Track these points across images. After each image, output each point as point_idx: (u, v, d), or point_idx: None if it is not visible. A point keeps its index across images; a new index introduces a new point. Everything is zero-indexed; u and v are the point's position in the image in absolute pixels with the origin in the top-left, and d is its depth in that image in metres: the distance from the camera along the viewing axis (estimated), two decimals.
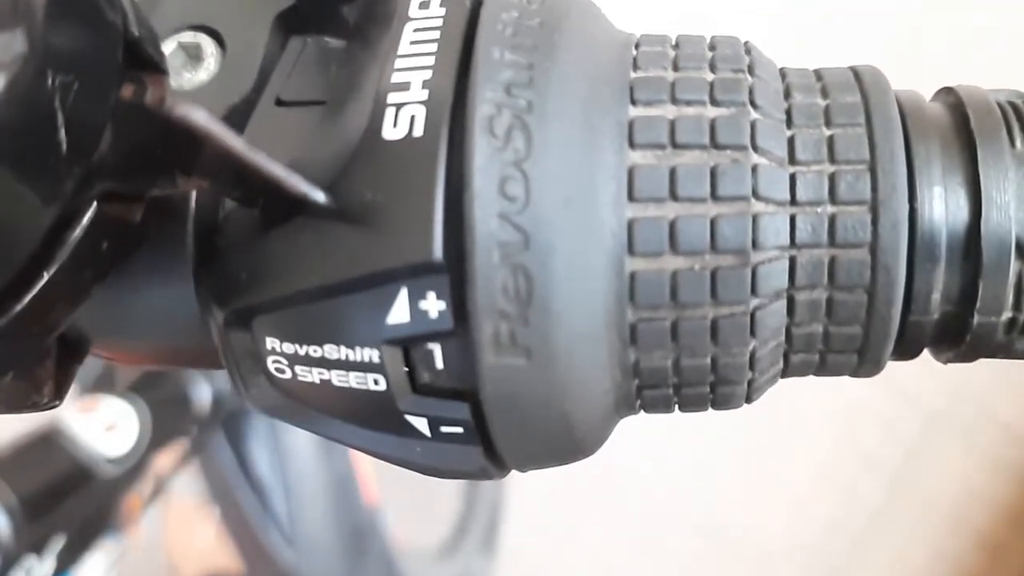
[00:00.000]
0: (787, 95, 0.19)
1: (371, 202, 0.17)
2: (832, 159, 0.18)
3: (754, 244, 0.18)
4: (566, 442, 0.19)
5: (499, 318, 0.17)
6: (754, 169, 0.18)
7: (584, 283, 0.17)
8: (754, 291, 0.18)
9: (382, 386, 0.18)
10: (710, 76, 0.18)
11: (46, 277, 0.17)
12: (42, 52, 0.15)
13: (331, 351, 0.18)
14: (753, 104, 0.18)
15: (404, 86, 0.18)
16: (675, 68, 0.19)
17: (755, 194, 0.18)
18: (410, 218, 0.17)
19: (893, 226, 0.18)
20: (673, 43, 0.19)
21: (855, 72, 0.19)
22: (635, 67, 0.19)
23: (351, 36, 0.20)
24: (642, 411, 0.20)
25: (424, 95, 0.18)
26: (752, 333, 0.18)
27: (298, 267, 0.18)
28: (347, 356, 0.18)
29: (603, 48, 0.19)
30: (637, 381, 0.19)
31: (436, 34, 0.18)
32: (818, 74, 0.19)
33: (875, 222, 0.18)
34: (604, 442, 0.21)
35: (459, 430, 0.18)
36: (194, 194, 0.20)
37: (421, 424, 0.18)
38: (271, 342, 0.18)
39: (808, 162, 0.18)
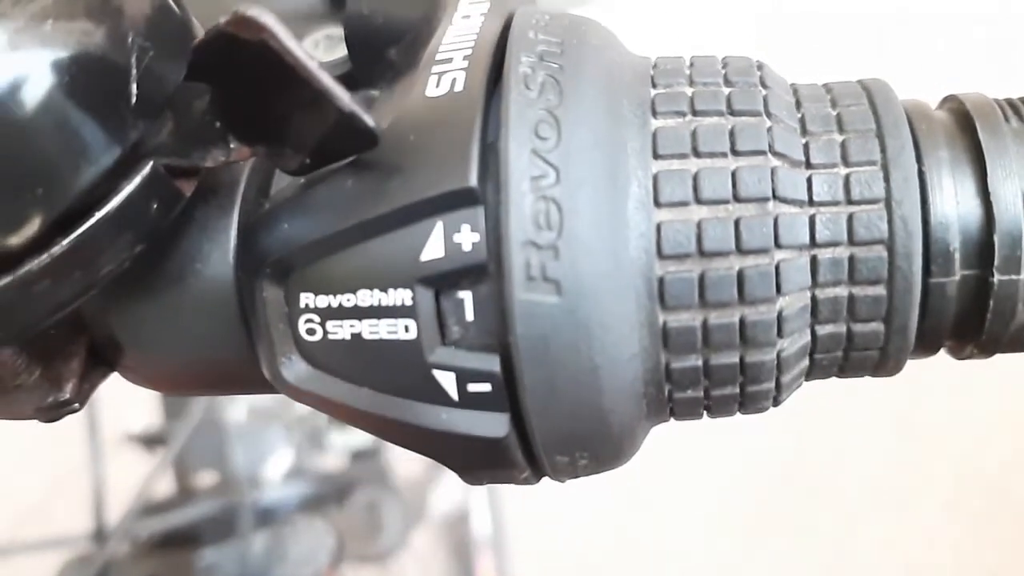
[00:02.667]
0: (799, 106, 0.20)
1: (412, 144, 0.18)
2: (846, 162, 0.19)
3: (774, 194, 0.19)
4: (595, 414, 0.19)
5: (531, 248, 0.17)
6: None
7: (613, 220, 0.18)
8: (777, 242, 0.18)
9: (412, 333, 0.18)
10: (727, 90, 0.19)
11: (95, 218, 0.18)
12: (127, 17, 0.17)
13: (364, 297, 0.18)
14: (768, 113, 0.19)
15: (446, 60, 0.20)
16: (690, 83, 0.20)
17: (771, 149, 0.19)
18: (448, 153, 0.18)
19: (905, 180, 0.19)
20: (688, 62, 0.21)
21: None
22: (654, 69, 0.20)
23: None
24: (671, 408, 0.20)
25: (464, 64, 0.19)
26: (778, 287, 0.18)
27: (338, 210, 0.19)
28: (380, 301, 0.18)
29: (623, 57, 0.20)
30: (666, 352, 0.19)
31: (473, 38, 0.20)
32: (827, 87, 0.21)
33: (887, 179, 0.19)
34: (634, 440, 0.20)
35: (487, 388, 0.18)
36: (244, 177, 0.21)
37: (448, 381, 0.18)
38: (305, 298, 0.19)
39: (824, 165, 0.19)
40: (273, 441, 0.69)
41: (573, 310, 0.18)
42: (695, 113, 0.19)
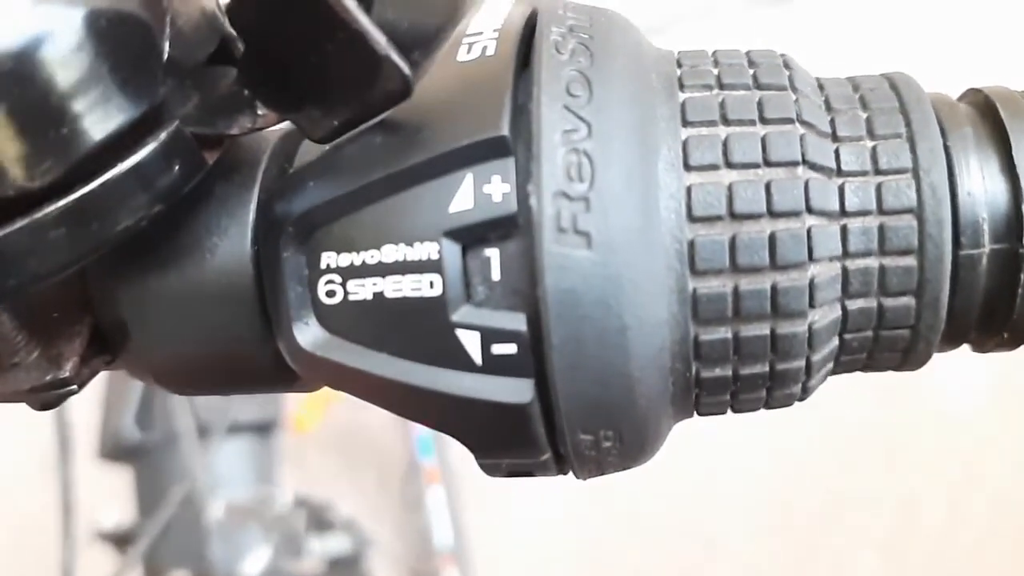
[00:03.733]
0: (822, 89, 0.20)
1: (443, 102, 0.18)
2: (872, 136, 0.19)
3: (803, 158, 0.19)
4: (622, 381, 0.18)
5: (562, 199, 0.17)
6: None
7: (644, 179, 0.18)
8: (808, 206, 0.18)
9: (437, 289, 0.18)
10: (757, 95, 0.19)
11: (117, 169, 0.18)
12: None
13: (389, 252, 0.18)
14: (793, 88, 0.19)
15: (476, 34, 0.20)
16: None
17: (799, 118, 0.19)
18: (479, 106, 0.18)
19: (931, 151, 0.19)
20: (711, 50, 0.21)
21: (899, 100, 0.20)
22: (678, 53, 0.20)
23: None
24: (697, 395, 0.20)
25: (495, 35, 0.20)
26: (809, 253, 0.18)
27: (366, 165, 0.18)
28: (405, 256, 0.18)
29: (647, 41, 0.21)
30: (695, 323, 0.18)
31: (503, 16, 0.20)
32: (863, 101, 0.20)
33: (913, 150, 0.19)
34: (659, 428, 0.19)
35: (512, 349, 0.18)
36: (266, 157, 0.21)
37: (472, 342, 0.18)
38: (327, 258, 0.18)
39: (850, 138, 0.19)
40: (250, 540, 0.67)
41: (604, 263, 0.17)
42: (722, 87, 0.19)
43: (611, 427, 0.19)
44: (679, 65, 0.20)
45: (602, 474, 0.21)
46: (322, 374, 0.19)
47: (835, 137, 0.19)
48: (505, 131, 0.18)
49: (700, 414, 0.21)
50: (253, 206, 0.20)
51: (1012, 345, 0.21)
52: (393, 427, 1.16)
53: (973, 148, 0.19)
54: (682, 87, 0.19)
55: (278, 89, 0.19)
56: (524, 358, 0.18)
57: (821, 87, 0.20)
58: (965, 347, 0.21)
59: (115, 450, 0.70)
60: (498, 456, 0.19)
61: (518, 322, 0.18)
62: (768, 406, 0.21)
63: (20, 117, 0.16)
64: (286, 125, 0.21)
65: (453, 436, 0.19)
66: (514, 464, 0.19)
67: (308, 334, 0.19)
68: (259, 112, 0.20)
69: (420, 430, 1.14)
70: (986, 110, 0.20)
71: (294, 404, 0.87)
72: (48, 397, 0.20)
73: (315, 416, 0.96)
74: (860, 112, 0.19)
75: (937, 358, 0.21)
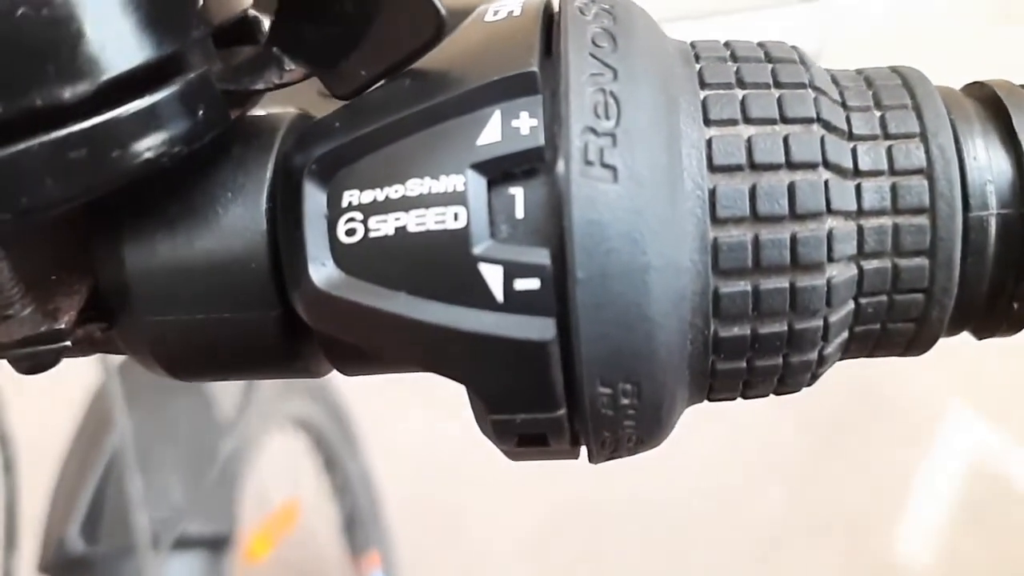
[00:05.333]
0: (836, 82, 0.21)
1: (472, 48, 0.19)
2: (879, 106, 0.20)
3: (818, 116, 0.19)
4: (643, 324, 0.18)
5: (589, 134, 0.17)
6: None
7: (668, 125, 0.18)
8: (824, 160, 0.19)
9: (461, 221, 0.17)
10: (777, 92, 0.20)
11: (144, 99, 0.18)
12: None
13: (414, 186, 0.18)
14: (803, 63, 0.20)
15: (501, 6, 0.21)
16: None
17: (811, 84, 0.20)
18: (508, 47, 0.19)
19: (937, 116, 0.20)
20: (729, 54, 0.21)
21: (900, 76, 0.21)
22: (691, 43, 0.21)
23: None
24: (713, 363, 0.19)
25: (519, 3, 0.20)
26: (827, 203, 0.18)
27: (393, 104, 0.19)
28: (430, 189, 0.18)
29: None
30: (715, 275, 0.18)
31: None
32: (867, 80, 0.21)
33: (920, 117, 0.20)
34: (674, 401, 0.19)
35: (535, 285, 0.17)
36: (285, 125, 0.21)
37: (495, 277, 0.17)
38: (349, 196, 0.18)
39: (859, 108, 0.20)
40: None
41: (630, 197, 0.17)
42: (735, 59, 0.20)
43: (631, 379, 0.18)
44: (693, 46, 0.21)
45: (616, 453, 0.20)
46: (336, 318, 0.19)
47: (845, 105, 0.20)
48: (535, 67, 0.18)
49: (712, 393, 0.21)
50: (271, 166, 0.20)
51: (1016, 326, 0.21)
52: (347, 563, 1.13)
53: (976, 121, 0.20)
54: (697, 59, 0.20)
55: (308, 43, 0.19)
56: (547, 295, 0.17)
57: (826, 71, 0.21)
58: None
59: (57, 562, 0.66)
60: (513, 409, 0.19)
61: (542, 257, 0.17)
62: (782, 382, 0.20)
63: (63, 26, 0.16)
64: (299, 107, 0.21)
65: (469, 385, 0.19)
66: (528, 422, 0.19)
67: (324, 274, 0.18)
68: (286, 68, 0.20)
69: (372, 567, 1.10)
70: (985, 95, 0.21)
71: (247, 528, 0.84)
72: (38, 353, 0.20)
73: (267, 543, 0.93)
74: (866, 88, 0.20)
75: None
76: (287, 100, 0.21)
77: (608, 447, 0.20)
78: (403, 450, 1.34)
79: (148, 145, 0.18)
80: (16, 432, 0.59)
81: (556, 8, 0.20)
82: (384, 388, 1.38)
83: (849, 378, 1.34)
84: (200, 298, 0.20)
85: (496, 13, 0.20)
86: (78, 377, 0.76)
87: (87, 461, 0.68)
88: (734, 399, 0.21)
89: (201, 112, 0.19)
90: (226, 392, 0.77)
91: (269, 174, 0.20)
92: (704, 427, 1.34)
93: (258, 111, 0.22)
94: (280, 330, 0.20)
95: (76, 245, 0.20)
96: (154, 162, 0.18)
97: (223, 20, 0.19)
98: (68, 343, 0.20)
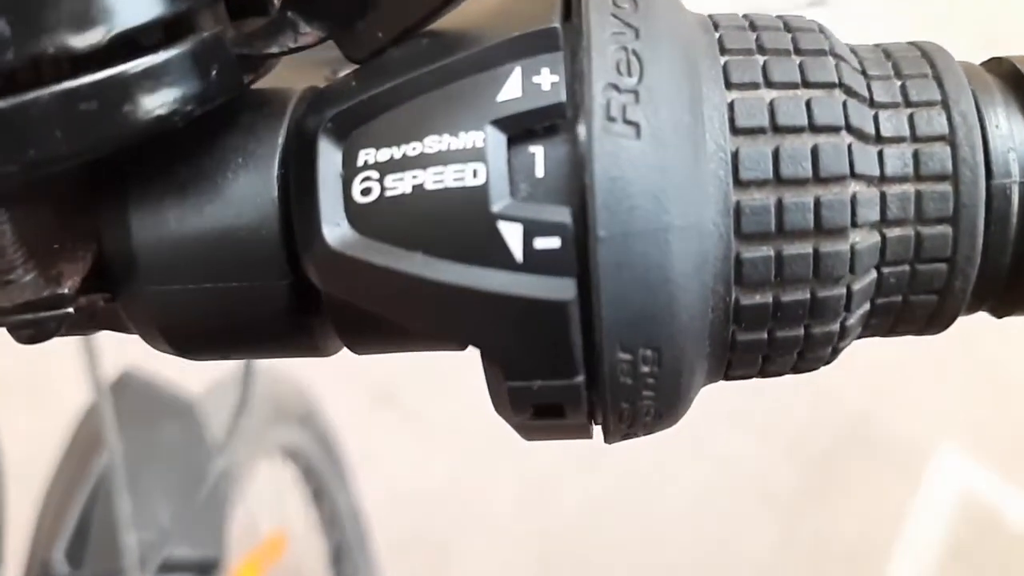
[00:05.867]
0: (855, 53, 0.21)
1: (492, 9, 0.19)
2: (899, 75, 0.20)
3: (840, 81, 0.19)
4: (664, 287, 0.17)
5: (612, 91, 0.17)
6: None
7: (690, 86, 0.18)
8: (847, 124, 0.18)
9: (480, 178, 0.17)
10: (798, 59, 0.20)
11: (156, 55, 0.18)
12: None
13: (432, 143, 0.17)
14: (823, 32, 0.20)
15: None
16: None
17: (832, 52, 0.20)
18: (530, 7, 0.19)
19: (958, 85, 0.20)
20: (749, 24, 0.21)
21: (919, 48, 0.21)
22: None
23: None
24: (734, 334, 0.19)
25: None
26: (851, 167, 0.18)
27: (412, 61, 0.18)
28: (449, 145, 0.17)
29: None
30: (738, 240, 0.18)
31: None
32: (886, 52, 0.21)
33: (941, 85, 0.20)
34: (693, 374, 0.19)
35: (555, 243, 0.17)
36: (297, 95, 0.20)
37: (514, 236, 0.17)
38: (365, 155, 0.18)
39: (880, 77, 0.20)
40: None
41: (653, 154, 0.17)
42: (755, 28, 0.20)
43: (651, 344, 0.18)
44: (710, 17, 0.20)
45: (632, 428, 0.20)
46: (349, 281, 0.18)
47: (865, 73, 0.20)
48: (556, 23, 0.18)
49: (731, 369, 0.20)
50: (283, 131, 0.20)
51: None
52: None
53: (997, 92, 0.20)
54: (716, 28, 0.20)
55: (324, 5, 0.19)
56: (567, 254, 0.17)
57: (854, 51, 0.21)
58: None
59: None
60: (530, 375, 0.18)
61: (563, 215, 0.17)
62: (802, 356, 0.20)
63: None
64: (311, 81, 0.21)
65: (485, 350, 0.18)
66: (545, 389, 0.18)
67: (338, 234, 0.18)
68: (301, 31, 0.20)
69: None
70: (1005, 69, 0.21)
71: (234, 558, 0.82)
72: (39, 320, 0.19)
73: (254, 575, 0.91)
74: (886, 60, 0.20)
75: None
76: (299, 80, 0.21)
77: (625, 420, 0.19)
78: (392, 483, 1.32)
79: (159, 102, 0.18)
80: (3, 450, 0.58)
81: None
82: (374, 420, 1.37)
83: (840, 414, 1.35)
84: (208, 266, 0.19)
85: None
86: (67, 397, 0.75)
87: (74, 482, 0.67)
88: (752, 376, 0.21)
89: (214, 73, 0.18)
90: (216, 415, 0.77)
91: (281, 139, 0.20)
92: (695, 461, 1.34)
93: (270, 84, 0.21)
94: (290, 301, 0.20)
95: (81, 210, 0.20)
96: (165, 120, 0.18)
97: None
98: (70, 310, 0.19)
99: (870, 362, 1.42)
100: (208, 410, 0.77)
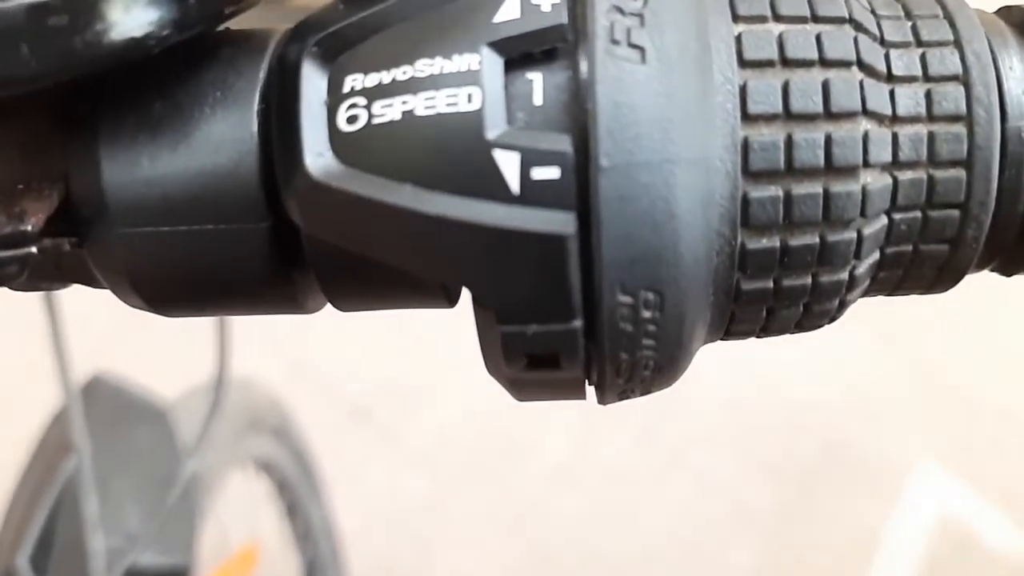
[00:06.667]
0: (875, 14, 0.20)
1: None
2: (908, 16, 0.19)
3: (850, 16, 0.18)
4: (668, 223, 0.16)
5: (616, 13, 0.17)
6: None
7: (697, 16, 0.17)
8: (859, 60, 0.18)
9: (476, 103, 0.16)
10: None
11: None
12: None
13: (423, 67, 0.17)
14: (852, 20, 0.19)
15: None
16: None
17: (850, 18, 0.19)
18: None
19: (970, 23, 0.19)
20: None
21: None
22: None
23: None
24: (739, 283, 0.18)
25: None
26: (862, 104, 0.17)
27: None
28: (442, 69, 0.16)
29: None
30: (745, 178, 0.17)
31: None
32: None
33: (953, 24, 0.19)
34: (694, 331, 0.18)
35: (555, 174, 0.16)
36: (280, 33, 0.20)
37: (511, 165, 0.16)
38: (352, 80, 0.17)
39: (890, 17, 0.19)
40: None
41: (659, 80, 0.16)
42: None
43: (654, 287, 0.17)
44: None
45: (630, 384, 0.19)
46: (333, 216, 0.17)
47: (875, 14, 0.19)
48: None
49: (733, 323, 0.19)
50: (265, 65, 0.19)
51: None
52: None
53: (1011, 35, 0.19)
54: None
55: None
56: (567, 185, 0.16)
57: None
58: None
59: None
60: (525, 318, 0.17)
61: (563, 143, 0.16)
62: (808, 310, 0.19)
63: None
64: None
65: (478, 291, 0.17)
66: (540, 335, 0.17)
67: (321, 165, 0.17)
68: None
69: None
70: (1016, 17, 0.20)
71: (204, 571, 0.80)
72: (1, 261, 0.18)
73: None
74: (896, 1, 0.19)
75: None
76: (285, 24, 0.20)
77: (623, 374, 0.18)
78: (367, 500, 1.30)
79: (134, 23, 0.17)
80: None
81: None
82: (349, 436, 1.36)
83: (817, 433, 1.35)
84: (182, 207, 0.18)
85: None
86: (36, 403, 0.74)
87: (41, 487, 0.65)
88: (753, 333, 0.20)
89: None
90: (189, 422, 0.75)
91: (263, 74, 0.19)
92: (673, 481, 1.33)
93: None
94: (269, 246, 0.19)
95: (48, 145, 0.19)
96: (140, 43, 0.17)
97: None
98: (33, 250, 0.18)
99: (847, 382, 1.42)
100: (181, 416, 0.75)
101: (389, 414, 1.38)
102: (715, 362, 1.02)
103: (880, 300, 0.21)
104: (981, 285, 0.22)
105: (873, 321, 1.38)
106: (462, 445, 1.35)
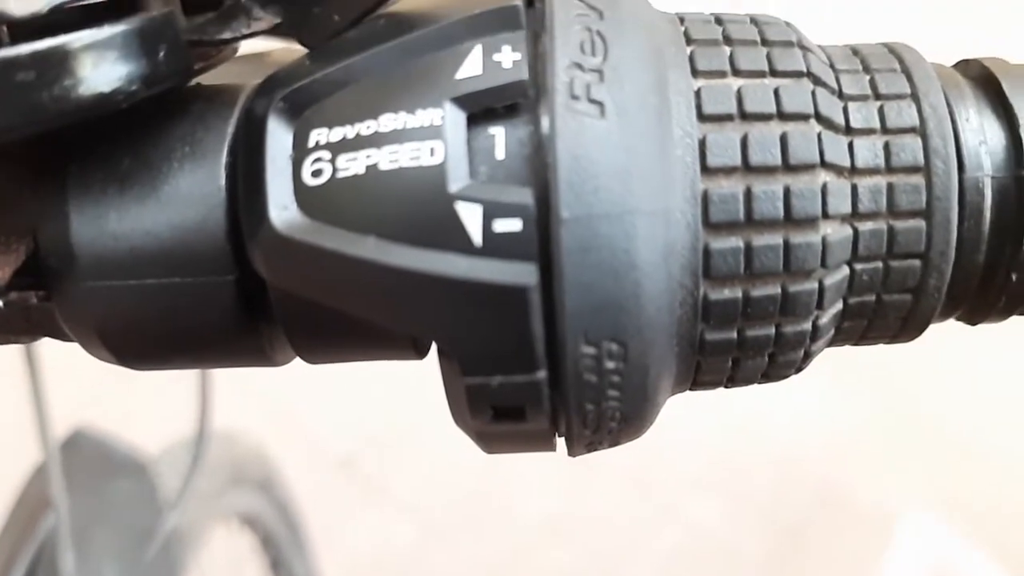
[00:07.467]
0: (833, 68, 0.20)
1: None
2: (867, 70, 0.20)
3: (808, 70, 0.19)
4: (629, 273, 0.17)
5: (576, 70, 0.17)
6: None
7: (655, 71, 0.17)
8: (816, 112, 0.18)
9: (438, 157, 0.16)
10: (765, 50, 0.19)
11: (101, 29, 0.17)
12: None
13: (387, 122, 0.17)
14: (790, 25, 0.20)
15: None
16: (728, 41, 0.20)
17: (800, 44, 0.19)
18: None
19: (927, 77, 0.19)
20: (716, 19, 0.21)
21: (887, 47, 0.21)
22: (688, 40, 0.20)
23: None
24: (703, 334, 0.18)
25: None
26: (821, 156, 0.18)
27: (369, 39, 0.18)
28: (405, 123, 0.17)
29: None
30: (706, 230, 0.17)
31: None
32: (853, 49, 0.21)
33: (910, 78, 0.19)
34: (660, 382, 0.18)
35: (516, 226, 0.16)
36: (250, 87, 0.20)
37: (473, 217, 0.16)
38: (317, 135, 0.17)
39: (849, 71, 0.19)
40: None
41: (618, 133, 0.16)
42: (720, 23, 0.19)
43: (617, 337, 0.17)
44: (677, 14, 0.20)
45: (597, 435, 0.19)
46: (297, 268, 0.17)
47: (834, 67, 0.19)
48: (518, 1, 0.17)
49: (700, 374, 0.19)
50: (233, 120, 0.19)
51: (1012, 305, 0.20)
52: None
53: (967, 88, 0.20)
54: (682, 21, 0.19)
55: None
56: (529, 237, 0.16)
57: (821, 47, 0.20)
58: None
59: None
60: (489, 370, 0.17)
61: (524, 196, 0.16)
62: (773, 360, 0.19)
63: None
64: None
65: (442, 342, 0.17)
66: (505, 387, 0.17)
67: (286, 218, 0.17)
68: (255, 16, 0.19)
69: None
70: (972, 68, 0.21)
71: None
72: None
73: None
74: (854, 55, 0.20)
75: None
76: (255, 77, 0.20)
77: (590, 425, 0.18)
78: (353, 552, 1.29)
79: (102, 79, 0.17)
80: None
81: None
82: (335, 488, 1.34)
83: (807, 481, 1.34)
84: (149, 260, 0.18)
85: None
86: (17, 457, 0.73)
87: (19, 543, 0.64)
88: (720, 384, 0.20)
89: (162, 54, 0.18)
90: (170, 476, 0.74)
91: (231, 128, 0.19)
92: (663, 530, 1.32)
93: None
94: (236, 299, 0.19)
95: (16, 199, 0.19)
96: (108, 98, 0.17)
97: None
98: (0, 303, 0.18)
99: (838, 429, 1.42)
100: (163, 470, 0.74)
101: (375, 465, 1.37)
102: (703, 410, 1.02)
103: (871, 347, 0.21)
104: (970, 329, 0.22)
105: (864, 368, 1.39)
106: (449, 496, 1.34)
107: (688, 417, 1.05)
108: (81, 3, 0.16)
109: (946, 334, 0.21)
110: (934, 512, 1.37)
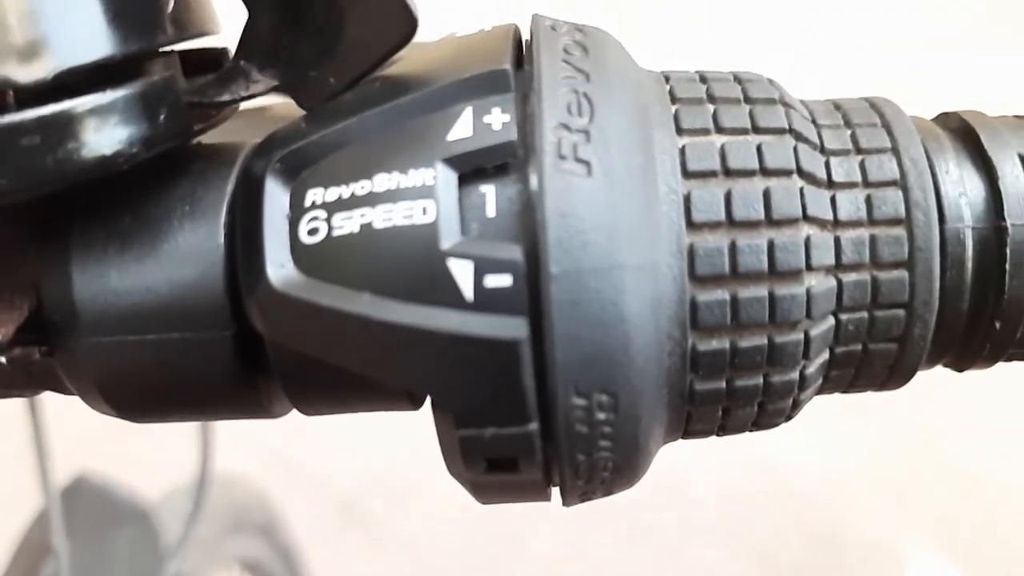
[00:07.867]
0: (815, 123, 0.21)
1: (444, 54, 0.19)
2: (848, 125, 0.20)
3: (790, 127, 0.19)
4: (618, 326, 0.17)
5: (563, 130, 0.17)
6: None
7: (641, 132, 0.18)
8: (799, 168, 0.19)
9: (430, 216, 0.17)
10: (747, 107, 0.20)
11: (103, 94, 0.17)
12: None
13: (381, 181, 0.17)
14: (774, 83, 0.20)
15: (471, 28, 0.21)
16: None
17: (782, 100, 0.20)
18: (480, 50, 0.19)
19: (908, 132, 0.20)
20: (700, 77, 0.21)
21: (868, 101, 0.21)
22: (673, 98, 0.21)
23: None
24: (692, 385, 0.19)
25: (489, 25, 0.21)
26: (803, 210, 0.18)
27: (363, 103, 0.18)
28: (398, 183, 0.17)
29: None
30: (693, 283, 0.18)
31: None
32: (835, 104, 0.21)
33: (891, 132, 0.20)
34: (653, 416, 0.18)
35: (507, 281, 0.17)
36: (249, 146, 0.20)
37: (464, 273, 0.17)
38: (313, 195, 0.18)
39: (830, 126, 0.20)
40: None
41: (605, 192, 0.17)
42: (705, 81, 0.20)
43: (607, 389, 0.17)
44: (662, 73, 0.21)
45: (590, 485, 0.19)
46: (293, 324, 0.18)
47: (815, 122, 0.20)
48: (507, 65, 0.18)
49: (691, 423, 0.20)
50: (232, 179, 0.19)
51: (996, 352, 0.20)
52: None
53: (947, 140, 0.20)
54: (667, 80, 0.20)
55: (278, 54, 0.19)
56: (519, 292, 0.17)
57: (803, 103, 0.21)
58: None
59: None
60: (481, 422, 0.17)
61: (514, 252, 0.17)
62: (762, 409, 0.20)
63: (24, 7, 0.16)
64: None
65: (435, 394, 0.18)
66: (497, 438, 0.18)
67: (282, 275, 0.17)
68: (253, 79, 0.19)
69: None
70: (952, 121, 0.21)
71: None
72: None
73: None
74: (835, 110, 0.20)
75: None
76: (255, 135, 0.21)
77: (582, 476, 0.19)
78: None
79: (105, 142, 0.17)
80: None
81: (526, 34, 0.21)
82: (337, 533, 1.34)
83: (811, 523, 1.34)
84: (149, 316, 0.19)
85: (466, 31, 0.20)
86: (19, 504, 0.73)
87: None
88: (712, 432, 0.20)
89: (162, 116, 0.18)
90: (172, 522, 0.74)
91: (231, 187, 0.19)
92: (666, 575, 1.31)
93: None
94: (235, 354, 0.19)
95: (20, 257, 0.19)
96: (110, 161, 0.17)
97: (191, 33, 0.19)
98: (3, 360, 0.18)
99: (842, 469, 1.42)
100: (165, 516, 0.74)
101: (377, 509, 1.36)
102: (707, 453, 1.02)
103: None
104: (974, 372, 0.22)
105: (868, 408, 1.38)
106: (451, 541, 1.33)
107: (690, 457, 1.05)
108: (84, 68, 0.17)
109: (951, 374, 0.21)
110: (940, 553, 1.36)
